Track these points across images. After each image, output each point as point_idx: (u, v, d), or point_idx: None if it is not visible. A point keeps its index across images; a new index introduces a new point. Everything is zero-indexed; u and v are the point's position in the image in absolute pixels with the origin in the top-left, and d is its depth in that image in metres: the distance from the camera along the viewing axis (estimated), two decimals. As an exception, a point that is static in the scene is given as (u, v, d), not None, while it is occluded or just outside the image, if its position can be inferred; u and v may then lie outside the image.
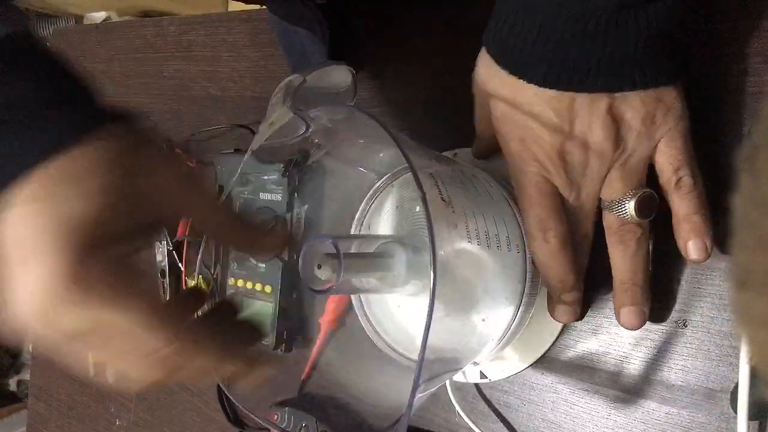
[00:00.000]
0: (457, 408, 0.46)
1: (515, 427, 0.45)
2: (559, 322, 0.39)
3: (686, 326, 0.39)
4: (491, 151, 0.42)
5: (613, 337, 0.41)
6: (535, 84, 0.33)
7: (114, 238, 0.26)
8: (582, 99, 0.33)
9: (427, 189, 0.29)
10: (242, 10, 0.61)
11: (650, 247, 0.37)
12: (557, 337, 0.42)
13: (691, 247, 0.35)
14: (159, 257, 0.65)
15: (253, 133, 0.60)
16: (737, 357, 0.35)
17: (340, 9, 0.53)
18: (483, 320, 0.37)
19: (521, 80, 0.34)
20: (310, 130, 0.41)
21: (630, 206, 0.35)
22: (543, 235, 0.35)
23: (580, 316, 0.40)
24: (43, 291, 0.24)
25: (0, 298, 0.25)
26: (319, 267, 0.34)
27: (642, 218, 0.35)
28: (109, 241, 0.26)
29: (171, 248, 0.64)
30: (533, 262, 0.37)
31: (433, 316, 0.26)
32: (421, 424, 0.48)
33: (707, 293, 0.38)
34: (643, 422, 0.40)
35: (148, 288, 0.28)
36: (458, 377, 0.45)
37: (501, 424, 0.45)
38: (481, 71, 0.37)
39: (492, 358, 0.43)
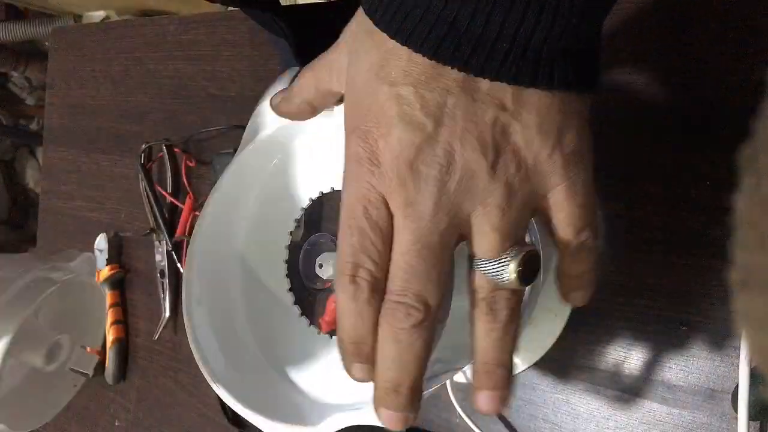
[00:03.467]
0: (458, 408, 0.46)
1: (516, 427, 0.44)
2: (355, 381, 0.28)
3: (687, 326, 0.39)
4: (299, 117, 0.33)
5: (614, 338, 0.41)
6: (412, 47, 0.23)
7: None
8: (464, 97, 0.23)
9: None
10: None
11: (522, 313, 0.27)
12: (558, 338, 0.42)
13: (574, 297, 0.30)
14: (158, 257, 0.65)
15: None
16: (738, 357, 0.35)
17: (315, 15, 0.52)
18: None
19: (396, 43, 0.23)
20: None
21: (510, 270, 0.25)
22: (352, 271, 0.25)
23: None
24: None
25: None
26: (321, 266, 0.34)
27: (523, 285, 0.26)
28: None
29: (170, 248, 0.63)
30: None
31: None
32: (421, 424, 0.48)
33: (708, 293, 0.38)
34: (644, 423, 0.40)
35: None
36: (459, 377, 0.45)
37: (502, 425, 0.45)
38: (352, 26, 0.27)
39: None
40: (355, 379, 0.27)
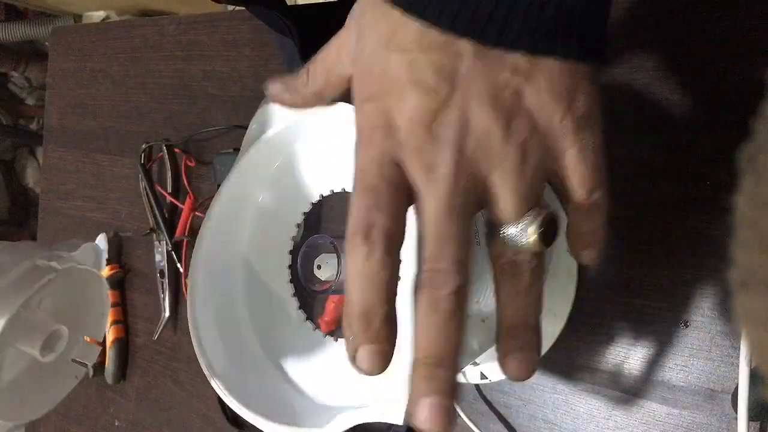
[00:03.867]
0: (457, 408, 0.46)
1: (516, 427, 0.44)
2: (361, 371, 0.25)
3: (687, 326, 0.39)
4: (304, 107, 0.32)
5: (614, 338, 0.41)
6: (428, 20, 0.23)
7: None
8: (477, 62, 0.23)
9: None
10: (242, 9, 0.61)
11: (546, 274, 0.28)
12: (557, 338, 0.42)
13: (585, 255, 0.29)
14: (158, 257, 0.65)
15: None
16: (738, 357, 0.35)
17: (320, 14, 0.52)
18: (483, 321, 0.37)
19: (408, 15, 0.24)
20: None
21: (530, 233, 0.26)
22: (366, 229, 0.24)
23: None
24: None
25: None
26: (319, 267, 0.34)
27: (544, 247, 0.26)
28: None
29: (170, 248, 0.63)
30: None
31: None
32: (421, 424, 0.48)
33: (708, 293, 0.38)
34: (644, 423, 0.40)
35: None
36: (458, 377, 0.45)
37: (501, 425, 0.45)
38: (360, 3, 0.27)
39: (493, 359, 0.43)
40: (361, 370, 0.25)
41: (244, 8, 0.60)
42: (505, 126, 0.24)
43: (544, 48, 0.23)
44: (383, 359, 0.24)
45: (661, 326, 0.40)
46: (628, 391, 0.41)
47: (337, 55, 0.29)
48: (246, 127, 0.60)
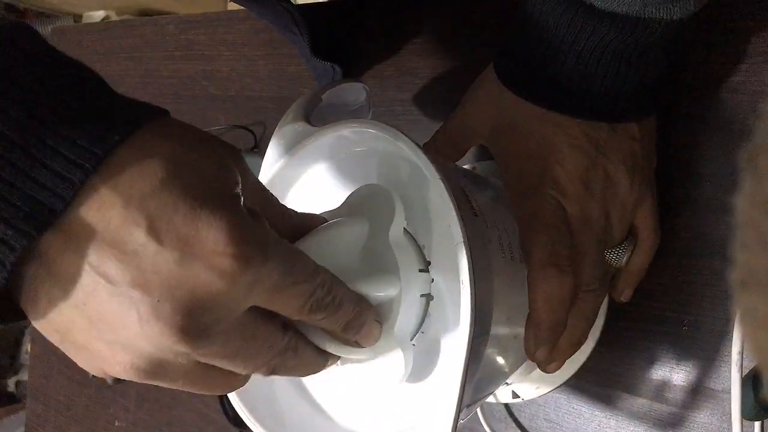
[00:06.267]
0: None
1: (517, 426, 0.44)
2: (548, 372, 0.34)
3: (688, 326, 0.39)
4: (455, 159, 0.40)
5: (615, 338, 0.41)
6: (572, 116, 0.33)
7: None
8: (609, 130, 0.33)
9: (461, 202, 0.26)
10: (242, 9, 0.61)
11: None
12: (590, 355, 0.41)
13: (627, 294, 0.38)
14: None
15: (252, 133, 0.60)
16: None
17: (336, 10, 0.52)
18: (515, 338, 0.35)
19: (552, 112, 0.33)
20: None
21: (625, 255, 0.35)
22: (556, 260, 0.30)
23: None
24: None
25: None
26: None
27: (623, 267, 0.36)
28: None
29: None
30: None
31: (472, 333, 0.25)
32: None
33: (708, 293, 0.38)
34: (645, 422, 0.40)
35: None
36: (489, 398, 0.44)
37: (503, 424, 0.45)
38: (492, 96, 0.35)
39: (524, 378, 0.42)
40: (539, 360, 0.32)
41: (242, 9, 0.60)
42: (630, 178, 0.33)
43: (644, 114, 0.34)
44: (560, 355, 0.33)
45: (661, 326, 0.40)
46: (630, 390, 0.41)
47: (469, 130, 0.37)
48: (245, 128, 0.60)
